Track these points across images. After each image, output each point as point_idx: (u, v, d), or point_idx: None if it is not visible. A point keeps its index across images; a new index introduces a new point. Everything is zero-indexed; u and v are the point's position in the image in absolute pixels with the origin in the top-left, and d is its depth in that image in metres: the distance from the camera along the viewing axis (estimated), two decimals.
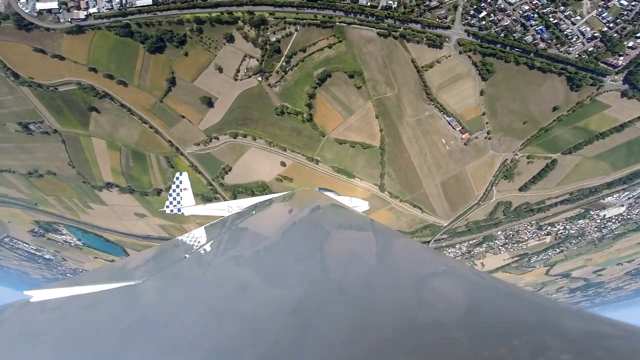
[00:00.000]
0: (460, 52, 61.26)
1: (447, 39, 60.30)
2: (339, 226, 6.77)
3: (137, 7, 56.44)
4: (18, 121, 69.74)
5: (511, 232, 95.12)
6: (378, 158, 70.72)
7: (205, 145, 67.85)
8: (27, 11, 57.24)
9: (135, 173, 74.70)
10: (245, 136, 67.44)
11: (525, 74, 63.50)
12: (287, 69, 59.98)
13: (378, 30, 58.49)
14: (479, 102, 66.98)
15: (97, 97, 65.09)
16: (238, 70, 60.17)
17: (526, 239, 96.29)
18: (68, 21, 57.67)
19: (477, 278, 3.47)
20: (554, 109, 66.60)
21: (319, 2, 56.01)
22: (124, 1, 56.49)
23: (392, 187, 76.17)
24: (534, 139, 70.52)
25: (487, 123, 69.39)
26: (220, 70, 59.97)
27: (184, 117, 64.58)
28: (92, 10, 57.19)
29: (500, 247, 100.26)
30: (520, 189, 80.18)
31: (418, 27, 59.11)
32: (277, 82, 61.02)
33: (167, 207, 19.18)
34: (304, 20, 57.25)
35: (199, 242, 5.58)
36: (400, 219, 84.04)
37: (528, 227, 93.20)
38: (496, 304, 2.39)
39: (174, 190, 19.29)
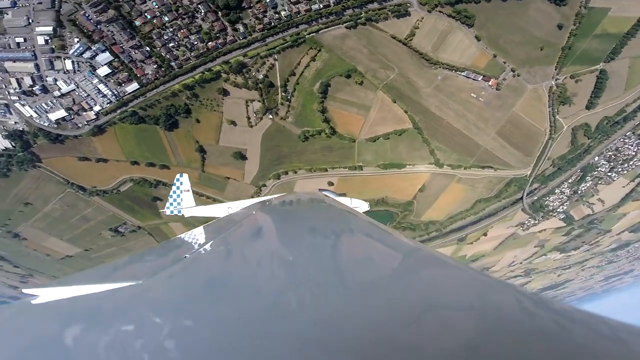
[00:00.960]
0: (429, 11, 61.73)
1: (408, 4, 61.29)
2: (338, 226, 6.81)
3: (129, 93, 59.85)
4: (108, 228, 78.63)
5: (610, 153, 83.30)
6: (418, 138, 69.93)
7: (259, 195, 71.75)
8: (46, 124, 61.62)
9: None
10: (286, 173, 71.05)
11: (503, 7, 63.13)
12: (289, 97, 63.52)
13: (344, 24, 60.66)
14: (482, 47, 65.68)
15: (152, 186, 70.16)
16: (248, 117, 64.48)
17: (633, 153, 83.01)
18: (85, 124, 62.63)
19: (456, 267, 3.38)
20: (559, 27, 64.98)
21: (277, 26, 59.41)
22: (116, 92, 59.69)
23: (448, 159, 73.74)
24: (564, 59, 67.65)
25: (504, 62, 67.10)
26: (234, 123, 64.77)
27: (228, 178, 70.69)
28: (96, 108, 60.83)
29: (609, 174, 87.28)
30: (588, 107, 73.84)
31: (376, 5, 60.74)
32: (287, 112, 64.70)
33: (168, 208, 19.61)
34: (277, 48, 60.58)
35: (199, 241, 5.73)
36: (475, 186, 79.49)
37: (626, 140, 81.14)
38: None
39: (174, 192, 19.72)
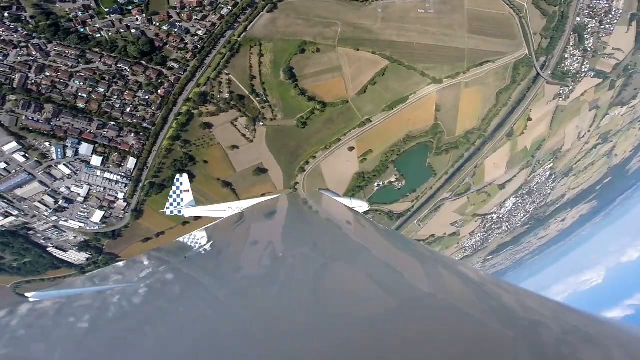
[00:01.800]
0: None
1: None
2: (341, 225, 6.89)
3: (134, 169, 61.97)
4: None
5: (587, 11, 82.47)
6: (401, 68, 70.48)
7: (305, 191, 71.49)
8: (96, 228, 65.00)
9: None
10: (307, 162, 70.94)
11: None
12: (265, 98, 64.99)
13: (264, 10, 62.61)
14: None
15: None
16: (244, 135, 65.66)
17: (607, 5, 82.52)
18: (123, 212, 65.38)
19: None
20: None
21: (205, 46, 59.86)
22: (122, 173, 61.74)
23: (442, 73, 73.51)
24: None
25: None
26: (236, 147, 65.91)
27: (264, 194, 69.69)
28: (120, 195, 63.13)
29: (603, 28, 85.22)
30: None
31: None
32: (272, 112, 66.02)
33: (168, 208, 19.85)
34: (220, 64, 61.24)
35: (199, 243, 5.83)
36: (486, 82, 77.51)
37: None
38: None
39: (174, 192, 19.92)
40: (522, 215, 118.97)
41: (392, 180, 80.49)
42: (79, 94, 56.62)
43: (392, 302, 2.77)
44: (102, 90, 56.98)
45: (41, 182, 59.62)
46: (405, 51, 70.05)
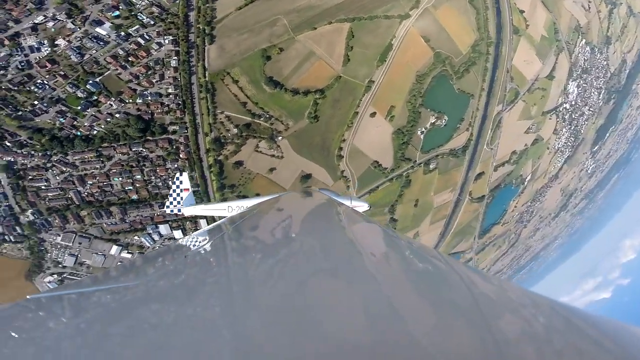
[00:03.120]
0: None
1: None
2: (347, 225, 7.00)
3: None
4: None
5: None
6: (364, 23, 69.22)
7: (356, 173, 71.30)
8: None
9: None
10: (340, 148, 68.59)
11: None
12: (267, 115, 64.07)
13: (206, 46, 62.17)
14: None
15: None
16: (273, 155, 64.45)
17: None
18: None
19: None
20: None
21: (184, 97, 59.79)
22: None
23: (403, 7, 71.74)
24: None
25: None
26: (272, 169, 64.48)
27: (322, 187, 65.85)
28: (146, 245, 61.87)
29: None
30: None
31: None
32: (282, 123, 64.89)
33: (168, 207, 19.72)
34: (209, 107, 61.20)
35: (199, 243, 5.91)
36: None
37: None
38: None
39: (174, 191, 19.71)
40: (596, 93, 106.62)
41: (432, 122, 74.55)
42: (126, 188, 59.04)
43: (365, 340, 2.32)
44: (139, 177, 58.99)
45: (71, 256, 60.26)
46: (355, 6, 69.41)
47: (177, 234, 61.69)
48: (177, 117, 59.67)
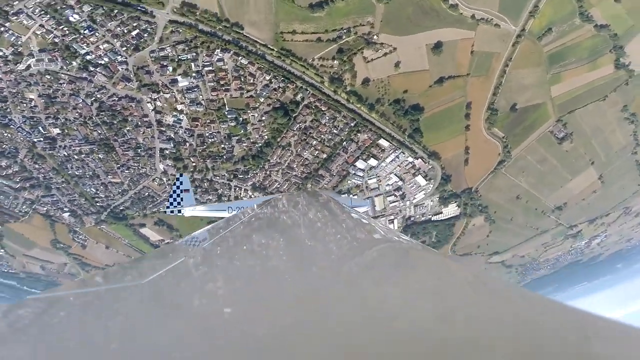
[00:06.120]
0: None
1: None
2: (345, 224, 7.12)
3: None
4: None
5: None
6: None
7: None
8: None
9: None
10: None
11: None
12: (342, 33, 59.83)
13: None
14: None
15: None
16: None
17: None
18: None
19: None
20: None
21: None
22: None
23: None
24: None
25: None
26: (366, 80, 62.87)
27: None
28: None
29: None
30: None
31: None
32: (364, 26, 59.97)
33: (168, 207, 20.26)
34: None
35: (199, 243, 5.97)
36: None
37: None
38: None
39: (174, 192, 20.28)
40: None
41: None
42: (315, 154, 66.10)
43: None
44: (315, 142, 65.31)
45: None
46: None
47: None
48: (294, 88, 62.43)
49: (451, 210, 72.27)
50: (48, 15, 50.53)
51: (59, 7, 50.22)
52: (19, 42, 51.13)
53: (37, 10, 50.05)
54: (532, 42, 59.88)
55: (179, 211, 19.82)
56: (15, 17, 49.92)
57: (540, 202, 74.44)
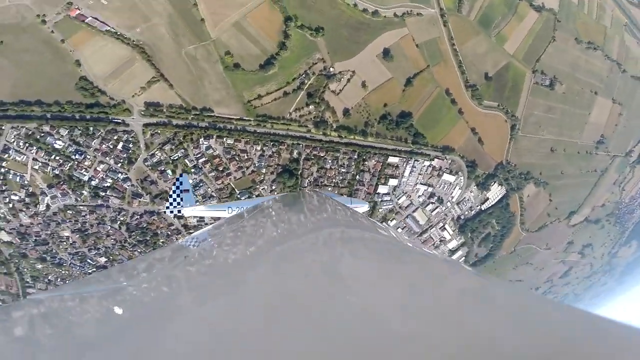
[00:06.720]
0: None
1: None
2: (346, 224, 7.13)
3: None
4: None
5: None
6: None
7: None
8: None
9: None
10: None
11: None
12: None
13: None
14: None
15: None
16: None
17: None
18: None
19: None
20: None
21: None
22: None
23: None
24: None
25: None
26: (347, 110, 64.35)
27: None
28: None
29: None
30: None
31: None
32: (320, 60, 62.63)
33: (168, 207, 20.12)
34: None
35: (199, 243, 5.97)
36: None
37: None
38: None
39: (174, 192, 20.16)
40: None
41: None
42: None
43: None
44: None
45: None
46: None
47: None
48: (287, 147, 63.32)
49: (496, 192, 66.01)
50: (34, 148, 51.68)
51: (38, 136, 51.62)
52: (26, 182, 52.48)
53: (21, 144, 51.03)
54: (456, 16, 64.23)
55: (179, 211, 19.43)
56: (6, 155, 51.06)
57: (577, 144, 69.57)
